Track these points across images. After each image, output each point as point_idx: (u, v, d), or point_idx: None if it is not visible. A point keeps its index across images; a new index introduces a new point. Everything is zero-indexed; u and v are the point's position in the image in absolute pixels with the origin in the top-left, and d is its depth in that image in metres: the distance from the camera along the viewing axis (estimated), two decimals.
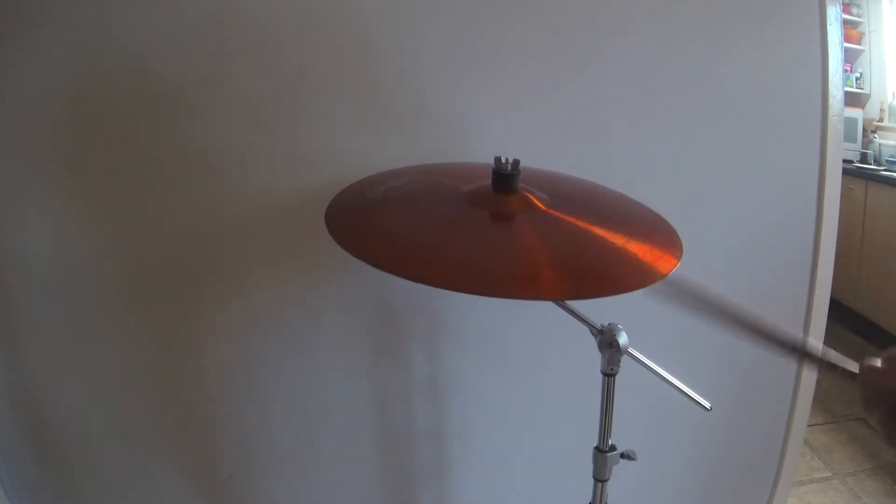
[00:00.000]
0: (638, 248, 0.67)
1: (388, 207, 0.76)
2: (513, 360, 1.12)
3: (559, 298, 0.67)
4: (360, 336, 1.04)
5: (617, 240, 0.68)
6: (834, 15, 1.09)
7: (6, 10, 0.80)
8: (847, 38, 3.14)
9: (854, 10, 3.22)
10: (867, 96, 3.26)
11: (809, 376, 1.30)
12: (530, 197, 0.71)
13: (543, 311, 1.03)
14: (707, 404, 0.78)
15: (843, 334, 2.87)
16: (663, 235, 0.72)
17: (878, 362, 0.41)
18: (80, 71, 0.84)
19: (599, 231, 0.69)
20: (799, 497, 1.82)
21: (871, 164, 3.03)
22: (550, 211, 0.70)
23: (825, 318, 1.26)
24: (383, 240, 0.67)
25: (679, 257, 0.65)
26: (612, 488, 0.81)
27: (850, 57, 3.21)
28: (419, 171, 0.88)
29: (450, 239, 0.67)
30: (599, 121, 1.04)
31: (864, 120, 3.22)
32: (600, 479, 0.80)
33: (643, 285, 0.60)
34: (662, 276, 0.61)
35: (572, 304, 0.76)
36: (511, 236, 0.69)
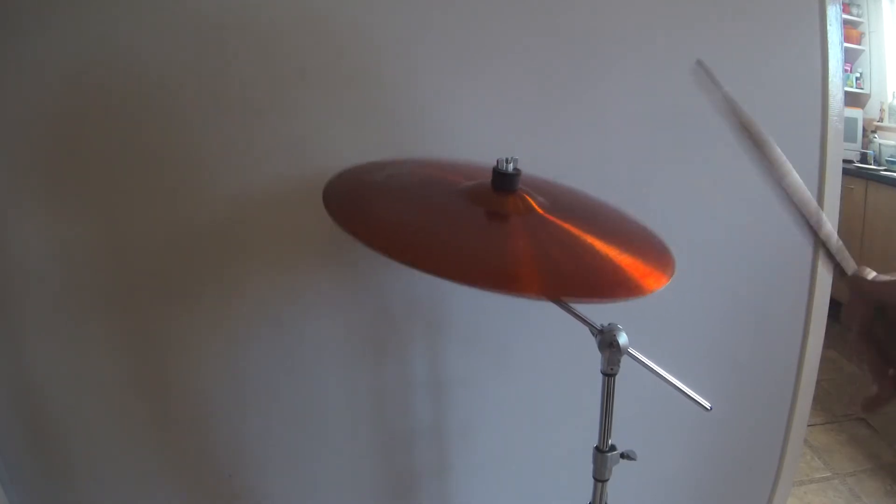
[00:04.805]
0: (627, 262, 0.67)
1: (387, 192, 0.76)
2: (513, 359, 1.12)
3: (541, 296, 0.68)
4: (360, 335, 1.04)
5: (608, 250, 0.68)
6: (834, 15, 1.09)
7: (5, 10, 0.80)
8: (847, 38, 3.14)
9: (854, 10, 3.22)
10: (867, 96, 3.26)
11: (809, 376, 1.30)
12: (528, 199, 0.71)
13: (544, 311, 1.03)
14: (707, 404, 0.78)
15: (843, 334, 2.87)
16: (656, 254, 0.73)
17: (870, 273, 0.44)
18: (78, 71, 0.84)
19: (591, 239, 0.70)
20: (799, 497, 1.82)
21: (871, 164, 3.04)
22: (546, 215, 0.70)
23: (825, 318, 1.26)
24: (377, 220, 0.68)
25: (669, 277, 0.65)
26: (612, 488, 0.81)
27: (850, 57, 3.21)
28: (420, 163, 0.88)
29: (443, 228, 0.68)
30: (600, 121, 1.04)
31: (864, 120, 3.22)
32: (600, 479, 0.80)
33: (627, 297, 0.60)
34: (648, 292, 0.61)
35: (572, 303, 0.76)
36: (504, 233, 0.69)
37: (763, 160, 0.53)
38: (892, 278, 0.43)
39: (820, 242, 0.49)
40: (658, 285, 0.63)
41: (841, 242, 0.48)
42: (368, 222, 0.67)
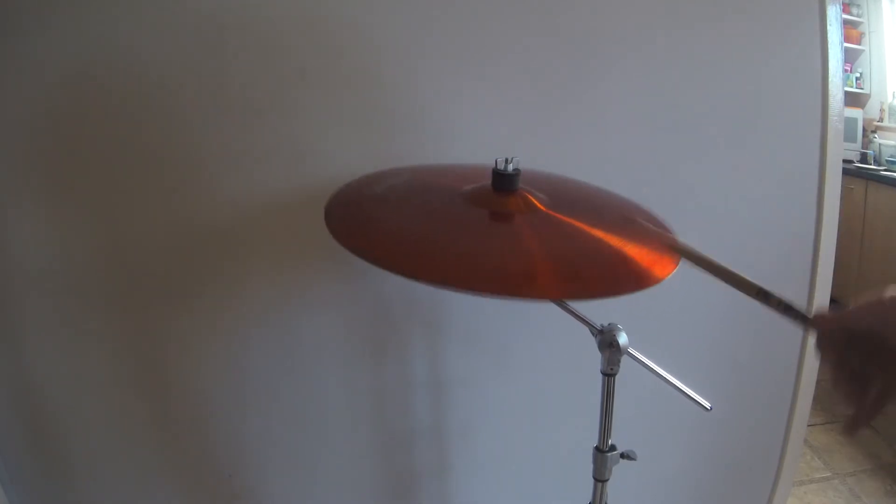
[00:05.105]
0: (635, 252, 0.67)
1: (388, 205, 0.76)
2: (513, 359, 1.12)
3: (553, 298, 0.67)
4: (361, 335, 1.04)
5: (615, 242, 0.68)
6: (834, 15, 1.09)
7: (5, 10, 0.80)
8: (847, 38, 3.14)
9: (854, 10, 3.22)
10: (867, 96, 3.26)
11: (809, 376, 1.30)
12: (530, 197, 0.71)
13: (544, 311, 1.03)
14: (707, 404, 0.78)
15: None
16: (659, 238, 0.72)
17: (827, 311, 0.47)
18: (78, 71, 0.84)
19: (598, 233, 0.69)
20: (799, 497, 1.82)
21: (871, 164, 3.04)
22: (549, 212, 0.70)
23: None
24: (381, 236, 0.67)
25: (677, 262, 0.65)
26: (612, 488, 0.81)
27: (850, 57, 3.21)
28: (419, 170, 0.88)
29: (448, 237, 0.67)
30: (600, 121, 1.04)
31: (864, 120, 3.22)
32: (600, 479, 0.80)
33: (639, 289, 0.60)
34: (659, 281, 0.61)
35: (572, 304, 0.76)
36: (509, 236, 0.69)
37: (699, 264, 0.57)
38: (852, 307, 0.45)
39: (774, 303, 0.51)
40: (668, 271, 0.63)
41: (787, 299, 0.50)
42: (374, 241, 0.66)
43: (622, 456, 0.79)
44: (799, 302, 1.29)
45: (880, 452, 2.05)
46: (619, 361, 0.74)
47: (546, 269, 0.62)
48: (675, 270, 0.64)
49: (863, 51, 3.23)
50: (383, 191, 0.79)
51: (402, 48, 0.93)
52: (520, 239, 0.68)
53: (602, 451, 0.79)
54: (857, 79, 3.26)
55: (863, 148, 3.16)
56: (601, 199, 0.84)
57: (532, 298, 0.61)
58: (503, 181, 0.70)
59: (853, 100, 3.21)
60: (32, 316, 0.93)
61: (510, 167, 0.70)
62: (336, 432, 1.08)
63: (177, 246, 0.94)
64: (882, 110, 3.19)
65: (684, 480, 1.33)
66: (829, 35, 1.09)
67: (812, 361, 1.29)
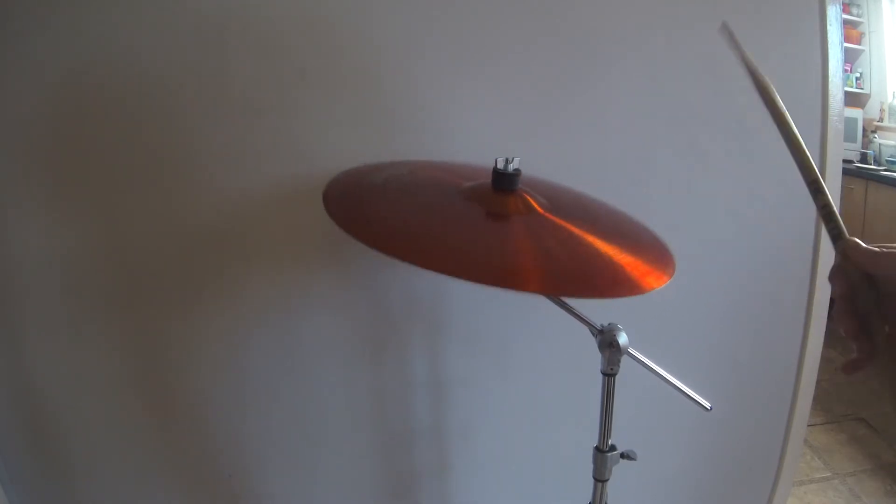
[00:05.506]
0: (627, 261, 0.67)
1: (387, 194, 0.77)
2: (513, 359, 1.12)
3: (540, 291, 0.68)
4: (360, 335, 1.04)
5: (608, 249, 0.69)
6: (834, 15, 1.09)
7: (5, 10, 0.80)
8: (847, 38, 3.14)
9: (854, 10, 3.22)
10: (867, 96, 3.26)
11: (809, 376, 1.30)
12: (528, 198, 0.71)
13: (544, 311, 1.03)
14: (707, 404, 0.78)
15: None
16: (656, 253, 0.73)
17: (862, 244, 0.46)
18: (78, 70, 0.84)
19: (591, 239, 0.70)
20: (799, 497, 1.82)
21: (871, 164, 3.04)
22: (546, 214, 0.71)
23: (825, 318, 1.26)
24: (378, 221, 0.68)
25: (669, 276, 0.66)
26: (612, 488, 0.81)
27: (850, 57, 3.21)
28: (421, 165, 0.88)
29: (444, 228, 0.68)
30: (600, 121, 1.04)
31: (864, 120, 3.22)
32: (600, 479, 0.80)
33: (626, 295, 0.60)
34: (647, 290, 0.62)
35: (572, 303, 0.76)
36: (504, 232, 0.69)
37: (774, 118, 0.55)
38: (882, 250, 0.44)
39: (820, 205, 0.50)
40: (658, 284, 0.63)
41: (836, 209, 0.49)
42: (370, 224, 0.67)
43: (622, 456, 0.79)
44: (800, 301, 1.29)
45: (880, 452, 2.05)
46: (619, 361, 0.75)
47: (534, 264, 0.63)
48: (666, 283, 0.64)
49: (863, 51, 3.24)
50: (384, 180, 0.80)
51: (402, 48, 0.93)
52: (514, 236, 0.68)
53: (602, 451, 0.79)
54: (857, 79, 3.26)
55: (863, 148, 3.17)
56: (601, 210, 0.85)
57: (518, 289, 0.62)
58: (503, 180, 0.71)
59: (853, 100, 3.21)
60: (32, 316, 0.93)
61: (510, 167, 0.70)
62: (336, 432, 1.08)
63: (177, 246, 0.94)
64: (882, 110, 3.20)
65: (684, 480, 1.33)
66: (829, 35, 1.09)
67: (812, 361, 1.29)
